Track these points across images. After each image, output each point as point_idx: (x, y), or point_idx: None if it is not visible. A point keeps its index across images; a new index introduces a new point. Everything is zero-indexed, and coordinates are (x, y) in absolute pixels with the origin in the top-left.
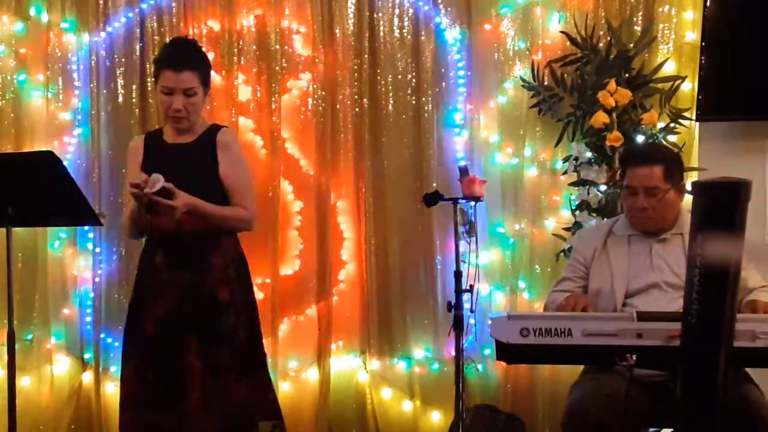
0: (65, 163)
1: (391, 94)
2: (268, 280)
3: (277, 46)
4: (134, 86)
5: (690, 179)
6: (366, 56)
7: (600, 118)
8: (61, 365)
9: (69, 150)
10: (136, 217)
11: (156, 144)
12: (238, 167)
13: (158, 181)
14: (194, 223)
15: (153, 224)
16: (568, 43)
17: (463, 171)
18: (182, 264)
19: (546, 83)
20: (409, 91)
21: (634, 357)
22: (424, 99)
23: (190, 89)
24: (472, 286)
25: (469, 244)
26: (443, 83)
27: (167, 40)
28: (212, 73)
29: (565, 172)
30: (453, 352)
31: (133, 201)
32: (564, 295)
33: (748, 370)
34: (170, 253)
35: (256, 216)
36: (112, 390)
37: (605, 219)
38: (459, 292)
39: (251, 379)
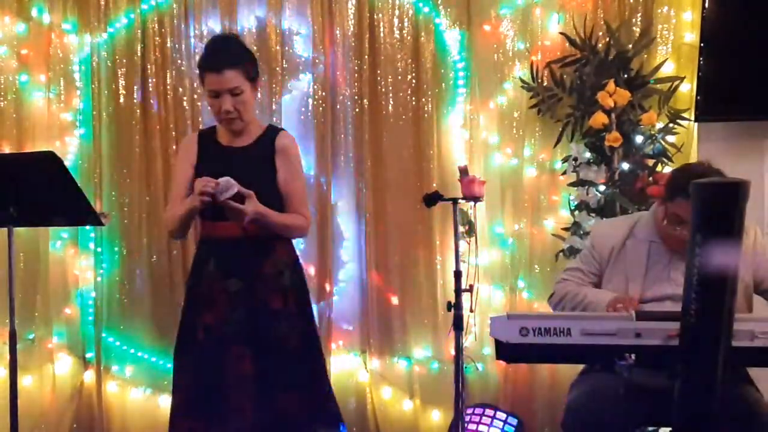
0: (66, 163)
1: (391, 95)
2: None
3: (278, 47)
4: (135, 87)
5: None
6: (366, 57)
7: (599, 119)
8: (63, 364)
9: (70, 150)
10: (189, 220)
11: (211, 145)
12: (296, 173)
13: (231, 186)
14: (257, 230)
15: (209, 230)
16: (567, 44)
17: (463, 171)
18: (235, 272)
19: (545, 84)
20: (409, 92)
21: (633, 356)
22: (424, 99)
23: (235, 88)
24: (471, 286)
25: (469, 244)
26: (443, 83)
27: (168, 41)
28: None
29: (564, 173)
30: (453, 352)
31: (188, 202)
32: (572, 284)
33: (747, 369)
34: (223, 261)
35: (310, 222)
36: (113, 389)
37: (604, 219)
38: (459, 291)
39: (306, 388)
